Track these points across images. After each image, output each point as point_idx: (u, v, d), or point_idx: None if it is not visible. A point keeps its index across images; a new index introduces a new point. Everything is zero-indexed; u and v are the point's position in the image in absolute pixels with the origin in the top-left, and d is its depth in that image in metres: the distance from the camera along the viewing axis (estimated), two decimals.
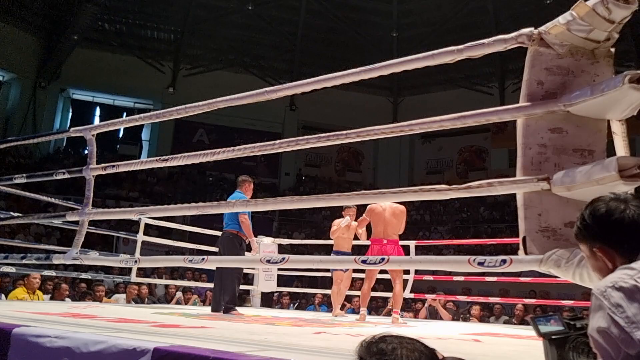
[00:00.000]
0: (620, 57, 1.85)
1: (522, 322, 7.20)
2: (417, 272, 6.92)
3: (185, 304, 7.94)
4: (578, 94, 1.82)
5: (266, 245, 7.18)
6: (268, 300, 9.10)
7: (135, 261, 2.79)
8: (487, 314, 8.01)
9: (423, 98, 20.81)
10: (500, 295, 9.66)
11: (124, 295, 7.27)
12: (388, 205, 5.23)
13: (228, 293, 5.15)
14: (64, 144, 19.79)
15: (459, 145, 21.42)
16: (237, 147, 2.52)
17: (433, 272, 8.21)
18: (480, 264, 1.95)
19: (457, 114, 2.08)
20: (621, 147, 2.06)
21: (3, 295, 6.14)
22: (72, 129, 3.21)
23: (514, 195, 2.05)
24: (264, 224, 16.74)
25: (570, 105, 1.85)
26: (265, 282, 7.17)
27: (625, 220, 1.21)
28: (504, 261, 1.93)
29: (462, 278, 7.61)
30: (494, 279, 6.94)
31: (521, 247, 1.97)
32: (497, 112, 2.02)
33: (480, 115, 2.04)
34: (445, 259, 2.06)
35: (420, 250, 7.63)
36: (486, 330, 4.92)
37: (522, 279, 7.06)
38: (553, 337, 1.59)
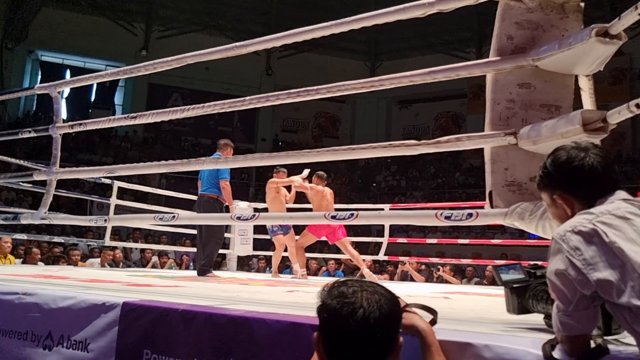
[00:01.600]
0: (596, 22, 1.83)
1: (493, 282, 7.41)
2: (391, 235, 7.02)
3: (162, 268, 7.94)
4: (546, 48, 1.83)
5: (242, 209, 7.16)
6: (244, 264, 9.16)
7: (105, 220, 2.76)
8: (459, 276, 8.21)
9: (401, 63, 20.67)
10: (472, 258, 9.90)
11: (98, 260, 7.22)
12: (325, 188, 6.06)
13: (206, 255, 5.14)
14: (34, 108, 19.25)
15: (435, 111, 21.52)
16: (208, 104, 2.48)
17: (407, 235, 8.37)
18: (448, 217, 1.99)
19: (427, 69, 2.08)
20: (588, 103, 2.09)
21: None
22: (38, 85, 3.11)
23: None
24: (240, 189, 16.70)
25: (539, 60, 1.85)
26: (242, 245, 7.20)
27: (585, 167, 1.24)
28: (470, 215, 1.97)
29: (435, 241, 7.78)
30: (467, 241, 7.11)
31: (487, 200, 2.00)
32: (466, 67, 2.02)
33: (450, 70, 2.04)
34: (413, 214, 2.09)
35: None
36: (457, 289, 5.06)
37: (494, 241, 7.24)
38: (514, 285, 1.64)
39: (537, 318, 1.59)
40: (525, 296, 1.62)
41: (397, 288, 4.54)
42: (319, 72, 19.77)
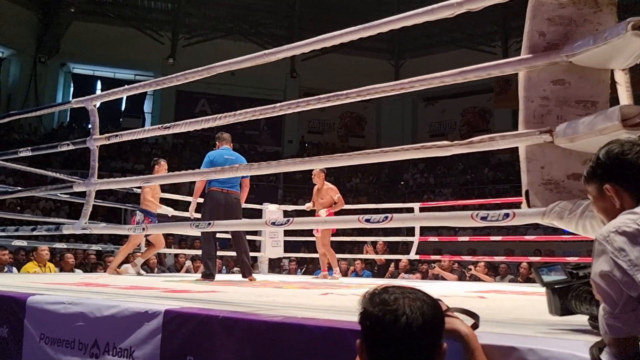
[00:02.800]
0: (624, 11, 1.79)
1: (528, 280, 7.28)
2: (422, 233, 6.97)
3: (195, 272, 8.05)
4: (580, 44, 1.79)
5: (272, 212, 7.23)
6: (275, 266, 9.23)
7: (143, 229, 2.83)
8: (493, 273, 8.09)
9: (425, 60, 20.52)
10: (505, 255, 9.74)
11: (130, 265, 7.37)
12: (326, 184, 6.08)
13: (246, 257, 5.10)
14: (68, 119, 19.81)
15: (462, 106, 21.26)
16: (238, 112, 2.52)
17: (438, 234, 8.30)
18: (484, 218, 1.97)
19: (457, 69, 2.06)
20: (625, 97, 2.04)
21: (15, 269, 6.25)
22: (74, 99, 3.21)
23: (518, 156, 2.04)
24: (269, 191, 16.82)
25: (573, 56, 1.82)
26: (272, 248, 7.26)
27: (638, 161, 1.24)
28: (506, 215, 1.94)
29: (467, 238, 7.68)
30: (499, 238, 6.99)
31: (524, 200, 1.97)
32: (498, 66, 1.99)
33: (481, 69, 2.02)
34: (448, 215, 2.07)
35: (424, 212, 7.65)
36: (491, 287, 4.99)
37: (527, 238, 7.10)
38: (556, 286, 1.62)
39: (580, 319, 1.57)
40: (567, 297, 1.60)
41: (431, 288, 4.51)
42: (344, 72, 19.77)
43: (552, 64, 1.89)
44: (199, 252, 8.84)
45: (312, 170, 6.04)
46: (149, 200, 5.52)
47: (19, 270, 6.21)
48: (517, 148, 2.02)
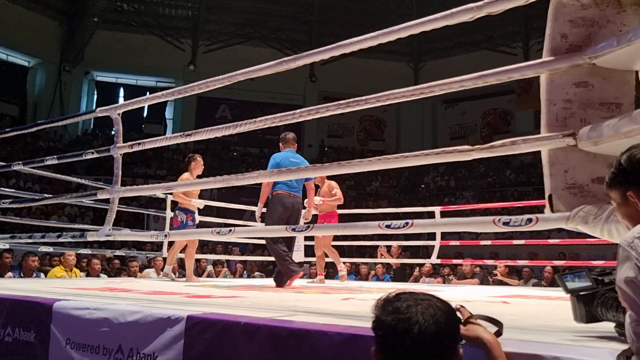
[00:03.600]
0: None
1: (552, 284, 7.16)
2: (443, 237, 6.91)
3: (216, 277, 8.13)
4: (604, 45, 1.76)
5: None
6: None
7: (165, 235, 2.86)
8: (516, 277, 7.98)
9: (444, 62, 20.42)
10: (528, 259, 9.59)
11: (153, 269, 7.47)
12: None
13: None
14: (92, 127, 20.20)
15: (482, 108, 21.07)
16: (259, 119, 2.53)
17: (459, 237, 8.21)
18: (506, 223, 1.94)
19: (477, 73, 2.05)
20: None
21: (42, 274, 6.38)
22: (99, 108, 3.27)
23: (540, 157, 2.01)
24: None
25: (596, 57, 1.79)
26: (293, 252, 7.26)
27: None
28: (529, 220, 1.92)
29: (489, 242, 7.57)
30: (522, 241, 6.89)
31: (547, 205, 1.94)
32: (519, 69, 1.97)
33: (502, 73, 2.00)
34: (469, 220, 2.05)
35: (445, 215, 7.57)
36: (515, 292, 4.91)
37: (551, 241, 6.99)
38: (581, 293, 1.59)
39: (606, 326, 1.54)
40: (593, 304, 1.57)
41: (453, 293, 4.47)
42: (363, 76, 19.79)
43: (575, 66, 1.86)
44: (220, 257, 8.95)
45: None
46: (181, 197, 5.43)
47: (46, 276, 6.34)
48: (539, 150, 2.00)
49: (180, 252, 5.78)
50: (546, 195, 1.96)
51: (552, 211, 1.93)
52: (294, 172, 2.38)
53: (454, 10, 2.05)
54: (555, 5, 1.93)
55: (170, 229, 5.36)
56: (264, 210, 4.94)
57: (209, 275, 8.05)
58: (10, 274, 6.30)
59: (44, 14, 18.60)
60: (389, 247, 8.44)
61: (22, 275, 6.23)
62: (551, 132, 1.91)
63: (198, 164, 5.51)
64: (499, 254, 11.16)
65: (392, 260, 8.11)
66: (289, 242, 4.94)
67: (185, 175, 5.43)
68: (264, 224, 4.93)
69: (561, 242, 7.29)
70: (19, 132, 4.37)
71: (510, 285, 7.17)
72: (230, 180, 2.56)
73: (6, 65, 19.04)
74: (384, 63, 20.42)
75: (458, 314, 1.23)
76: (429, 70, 20.93)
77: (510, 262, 7.71)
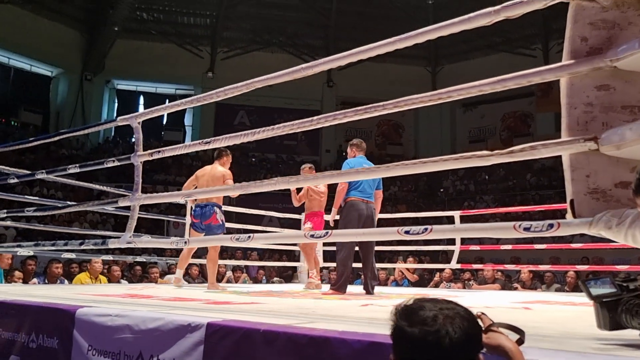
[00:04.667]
0: None
1: (575, 289, 7.03)
2: (463, 242, 6.85)
3: (235, 282, 8.17)
4: (625, 48, 1.73)
5: None
6: None
7: (185, 242, 2.89)
8: (538, 281, 7.86)
9: (462, 65, 20.28)
10: (550, 263, 9.45)
11: (173, 276, 7.53)
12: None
13: (373, 268, 4.79)
14: (112, 134, 20.51)
15: (502, 111, 20.84)
16: (277, 126, 2.55)
17: (480, 242, 8.14)
18: (527, 229, 1.92)
19: (497, 77, 2.03)
20: None
21: (66, 281, 6.49)
22: (120, 117, 3.32)
23: (562, 160, 1.98)
24: None
25: (617, 60, 1.76)
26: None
27: None
28: (551, 225, 1.89)
29: (510, 247, 7.48)
30: (544, 246, 6.79)
31: (569, 210, 1.91)
32: (539, 73, 1.95)
33: (522, 77, 1.97)
34: (489, 226, 2.03)
35: (465, 220, 7.53)
36: (537, 298, 4.84)
37: (574, 246, 6.85)
38: (604, 300, 1.56)
39: (631, 334, 1.51)
40: (617, 311, 1.54)
41: (474, 298, 4.42)
42: (380, 80, 19.76)
43: (596, 70, 1.84)
44: (239, 262, 8.99)
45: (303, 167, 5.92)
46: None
47: (70, 282, 6.45)
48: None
49: (195, 257, 5.78)
50: (568, 201, 1.93)
51: (574, 216, 1.90)
52: (311, 179, 2.39)
53: (471, 14, 2.04)
54: (574, 7, 1.90)
55: (208, 229, 4.91)
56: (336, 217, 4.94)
57: (228, 281, 8.10)
58: (35, 280, 6.43)
59: (66, 25, 19.01)
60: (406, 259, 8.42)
61: (46, 281, 6.34)
62: (572, 136, 1.88)
63: (229, 159, 5.37)
64: (520, 259, 11.02)
65: (411, 276, 8.07)
66: (367, 250, 4.75)
67: (223, 170, 5.12)
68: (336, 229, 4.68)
69: (584, 246, 7.13)
70: (42, 141, 4.46)
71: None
72: (249, 187, 2.57)
73: (30, 76, 19.48)
74: (401, 67, 20.36)
75: (479, 321, 1.22)
76: (447, 74, 20.81)
77: (532, 267, 7.60)
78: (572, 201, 1.91)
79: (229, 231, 9.50)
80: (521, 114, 20.80)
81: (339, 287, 4.57)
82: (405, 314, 1.11)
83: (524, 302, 3.94)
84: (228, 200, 10.90)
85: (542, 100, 19.19)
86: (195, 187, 4.99)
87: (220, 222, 5.01)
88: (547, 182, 16.83)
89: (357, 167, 4.62)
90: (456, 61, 20.79)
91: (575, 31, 1.90)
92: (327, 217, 5.60)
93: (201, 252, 8.55)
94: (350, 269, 4.67)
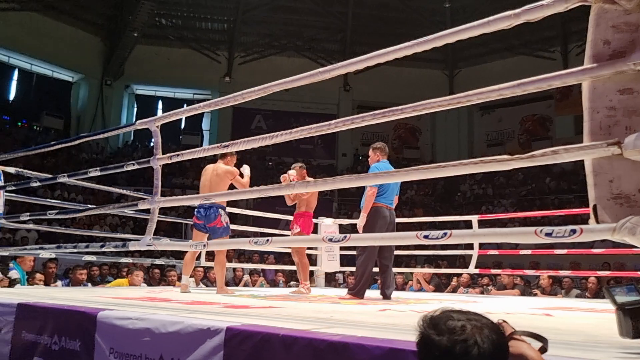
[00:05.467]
0: None
1: (596, 295, 6.92)
2: (481, 246, 6.78)
3: (253, 286, 8.20)
4: None
5: (327, 225, 7.25)
6: (330, 279, 9.23)
7: (204, 245, 2.91)
8: (558, 287, 7.74)
9: (480, 69, 20.14)
10: (571, 269, 9.30)
11: (192, 279, 7.59)
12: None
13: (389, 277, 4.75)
14: (132, 138, 20.78)
15: (520, 114, 20.62)
16: (294, 130, 2.55)
17: (498, 247, 8.01)
18: (548, 234, 1.89)
19: (516, 81, 2.01)
20: None
21: (90, 284, 6.60)
22: (139, 121, 3.36)
23: (582, 164, 1.96)
24: (323, 204, 16.90)
25: None
26: (329, 262, 7.27)
27: None
28: (573, 231, 1.86)
29: (529, 252, 7.39)
30: (564, 251, 6.68)
31: (592, 215, 1.89)
32: (560, 77, 1.92)
33: (542, 80, 1.95)
34: (509, 231, 2.01)
35: (483, 224, 7.46)
36: (557, 304, 4.77)
37: (595, 251, 6.74)
38: (627, 307, 1.53)
39: None
40: None
41: (493, 304, 4.37)
42: (397, 84, 19.71)
43: (619, 73, 1.81)
44: (256, 266, 9.02)
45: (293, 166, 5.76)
46: (241, 182, 5.00)
47: (94, 285, 6.56)
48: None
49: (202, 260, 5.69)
50: (590, 206, 1.90)
51: (597, 222, 1.87)
52: (329, 183, 2.39)
53: (491, 18, 2.02)
54: (597, 11, 1.88)
55: (213, 232, 4.80)
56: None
57: (245, 285, 8.13)
58: (59, 282, 6.55)
59: (86, 31, 19.34)
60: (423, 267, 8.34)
61: (70, 285, 6.46)
62: (595, 140, 1.86)
63: (234, 159, 5.28)
64: (540, 264, 10.87)
65: (427, 287, 8.01)
66: (387, 256, 4.74)
67: (226, 167, 5.06)
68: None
69: (605, 251, 7.01)
70: (63, 145, 4.54)
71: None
72: (267, 191, 2.58)
73: (52, 81, 19.85)
74: (418, 71, 20.28)
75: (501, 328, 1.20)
76: (464, 77, 20.68)
77: (552, 272, 7.49)
78: (595, 206, 1.88)
79: (246, 235, 9.57)
80: (540, 117, 20.56)
81: (357, 292, 4.54)
82: (433, 323, 1.11)
83: (544, 309, 3.89)
84: (245, 204, 10.94)
85: (562, 103, 18.95)
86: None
87: (225, 225, 4.91)
88: (567, 186, 16.60)
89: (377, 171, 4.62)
90: (474, 64, 20.64)
91: (598, 34, 1.88)
92: (351, 222, 5.52)
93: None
94: (370, 273, 4.60)
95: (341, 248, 7.28)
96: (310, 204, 5.56)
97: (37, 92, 19.48)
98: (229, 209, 6.99)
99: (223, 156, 5.18)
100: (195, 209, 5.04)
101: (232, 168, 5.09)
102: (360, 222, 4.63)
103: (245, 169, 5.32)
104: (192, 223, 5.13)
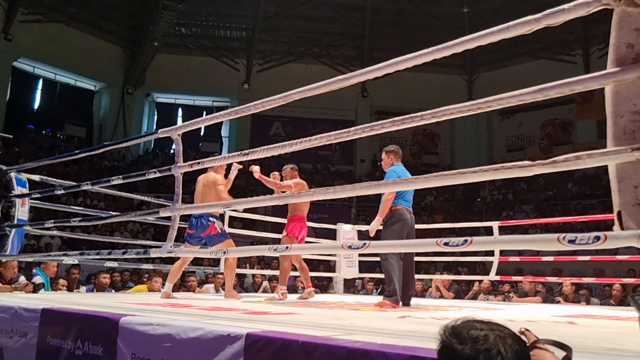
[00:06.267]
0: None
1: (621, 303, 6.77)
2: (502, 253, 6.70)
3: (272, 292, 8.21)
4: None
5: (346, 232, 7.25)
6: (350, 286, 9.20)
7: (224, 252, 2.93)
8: (582, 294, 7.59)
9: (499, 73, 19.95)
10: (595, 275, 9.12)
11: (212, 285, 7.64)
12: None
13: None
14: (152, 146, 21.05)
15: (541, 119, 20.35)
16: (313, 137, 2.56)
17: (519, 253, 7.93)
18: (571, 241, 1.86)
19: (537, 86, 1.99)
20: None
21: (113, 290, 6.70)
22: (160, 130, 3.41)
23: (605, 169, 1.93)
24: (342, 211, 16.89)
25: None
26: (347, 268, 7.26)
27: None
28: (597, 238, 1.83)
29: (551, 258, 7.27)
30: (587, 258, 6.57)
31: (616, 222, 1.85)
32: (582, 81, 1.90)
33: (564, 85, 1.93)
34: (531, 238, 1.98)
35: (504, 231, 7.35)
36: (581, 311, 4.68)
37: (619, 257, 6.60)
38: None
39: None
40: None
41: (515, 312, 4.30)
42: (415, 90, 19.62)
43: None
44: (276, 272, 9.03)
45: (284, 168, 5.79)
46: (226, 196, 4.90)
47: (116, 291, 6.66)
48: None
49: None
50: (615, 212, 1.87)
51: (622, 229, 1.83)
52: (348, 190, 2.39)
53: (511, 23, 2.01)
54: (619, 14, 1.85)
55: (209, 239, 4.80)
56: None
57: (264, 291, 8.15)
58: (83, 288, 6.65)
59: (108, 41, 19.73)
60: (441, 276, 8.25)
61: (94, 291, 6.56)
62: (619, 145, 1.83)
63: (223, 167, 5.30)
64: (562, 271, 10.68)
65: (447, 293, 7.94)
66: (408, 261, 4.65)
67: (216, 176, 5.08)
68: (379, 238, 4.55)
69: (630, 258, 6.86)
70: (87, 154, 4.63)
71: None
72: (286, 198, 2.59)
73: (75, 90, 20.26)
74: (436, 76, 20.17)
75: (523, 337, 1.19)
76: (483, 82, 20.51)
77: (575, 280, 7.36)
78: (619, 213, 1.85)
79: (266, 241, 9.59)
80: (561, 122, 20.27)
81: (394, 298, 4.36)
82: (455, 332, 1.10)
83: (567, 316, 3.82)
84: (264, 210, 10.99)
85: (583, 108, 18.67)
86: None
87: (220, 231, 4.91)
88: (590, 192, 16.31)
89: (402, 175, 4.54)
90: (493, 69, 20.46)
91: (621, 38, 1.85)
92: (366, 227, 5.43)
93: (238, 263, 8.54)
94: (399, 276, 4.44)
95: (360, 254, 7.26)
96: (299, 206, 5.42)
97: (61, 101, 19.89)
98: (246, 215, 7.00)
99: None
100: (188, 220, 5.05)
101: (217, 177, 5.10)
102: (374, 224, 4.56)
103: (233, 172, 5.45)
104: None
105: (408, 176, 4.46)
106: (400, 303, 4.45)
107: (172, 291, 4.93)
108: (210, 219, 4.89)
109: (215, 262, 7.28)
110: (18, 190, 4.90)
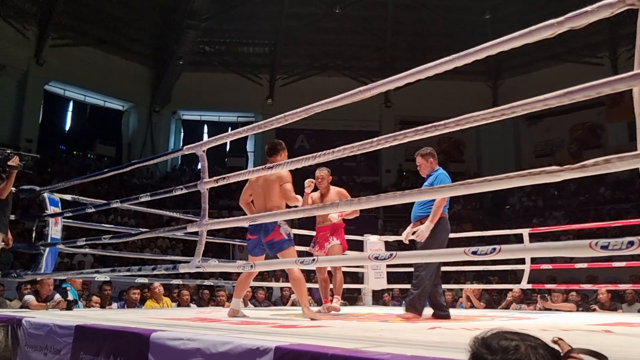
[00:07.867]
0: None
1: None
2: (533, 261, 6.56)
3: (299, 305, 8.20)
4: None
5: (373, 243, 7.20)
6: (378, 298, 9.12)
7: (251, 266, 2.95)
8: (619, 302, 7.36)
9: (524, 79, 19.68)
10: (631, 282, 8.83)
11: (240, 300, 7.66)
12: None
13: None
14: (179, 162, 21.40)
15: (569, 123, 19.95)
16: (337, 149, 2.57)
17: (552, 261, 7.73)
18: (604, 247, 1.81)
19: (563, 90, 1.96)
20: None
21: (142, 306, 6.79)
22: (186, 147, 3.47)
23: (638, 172, 1.88)
24: (369, 222, 16.78)
25: None
26: (376, 280, 7.20)
27: None
28: (631, 243, 1.78)
29: (585, 265, 7.07)
30: (623, 264, 6.37)
31: None
32: (609, 83, 1.86)
33: (590, 88, 1.89)
34: (563, 245, 1.94)
35: (534, 238, 7.18)
36: (618, 320, 4.54)
37: None
38: None
39: None
40: None
41: (548, 320, 4.20)
42: (439, 98, 19.50)
43: None
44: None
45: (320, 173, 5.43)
46: (294, 197, 4.21)
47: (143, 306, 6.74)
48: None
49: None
50: None
51: None
52: (373, 200, 2.38)
53: (533, 28, 1.99)
54: None
55: (270, 247, 4.11)
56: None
57: (293, 304, 8.14)
58: (114, 304, 6.76)
59: (135, 62, 20.26)
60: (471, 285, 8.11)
61: (125, 307, 6.66)
62: None
63: (286, 154, 4.47)
64: (598, 278, 10.38)
65: (477, 303, 7.80)
66: (438, 271, 4.49)
67: (283, 172, 4.17)
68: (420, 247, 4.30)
69: None
70: (116, 172, 4.73)
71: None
72: (312, 210, 2.60)
73: (104, 111, 20.84)
74: (459, 83, 20.01)
75: (556, 347, 1.16)
76: (508, 88, 20.26)
77: (610, 287, 7.14)
78: None
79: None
80: (590, 125, 19.85)
81: (418, 309, 4.23)
82: (486, 343, 1.09)
83: (603, 325, 3.70)
84: (291, 223, 11.02)
85: (613, 110, 18.25)
86: (251, 195, 4.41)
87: (286, 237, 4.12)
88: (624, 196, 15.88)
89: (447, 179, 4.37)
90: (517, 74, 20.20)
91: None
92: (397, 238, 5.35)
93: (267, 275, 8.57)
94: (428, 290, 4.24)
95: (388, 265, 7.19)
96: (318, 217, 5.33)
97: (91, 122, 20.46)
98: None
99: (273, 153, 4.38)
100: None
101: (284, 173, 4.23)
102: (425, 230, 4.18)
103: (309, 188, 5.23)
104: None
105: (449, 180, 4.26)
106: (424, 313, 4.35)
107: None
108: (278, 222, 4.08)
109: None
110: (51, 209, 5.03)
